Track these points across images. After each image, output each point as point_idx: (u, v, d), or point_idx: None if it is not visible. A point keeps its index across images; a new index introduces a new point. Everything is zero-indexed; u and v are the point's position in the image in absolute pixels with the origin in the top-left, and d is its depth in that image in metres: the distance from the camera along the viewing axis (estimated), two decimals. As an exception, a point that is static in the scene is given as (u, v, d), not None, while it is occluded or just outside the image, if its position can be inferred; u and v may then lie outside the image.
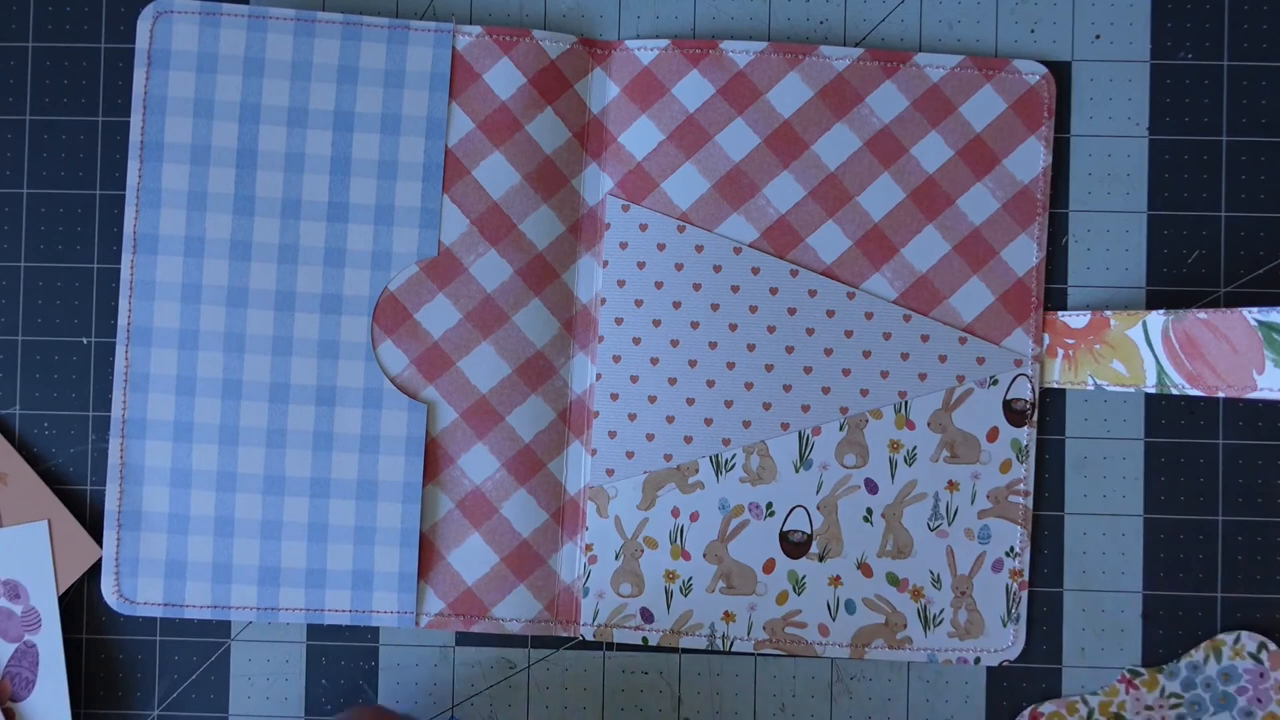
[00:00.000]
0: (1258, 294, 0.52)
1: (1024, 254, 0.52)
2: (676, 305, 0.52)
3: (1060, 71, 0.52)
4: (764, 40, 0.52)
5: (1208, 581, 0.52)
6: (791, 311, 0.52)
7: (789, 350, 0.52)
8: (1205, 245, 0.52)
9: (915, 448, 0.52)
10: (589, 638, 0.52)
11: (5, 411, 0.53)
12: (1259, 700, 0.51)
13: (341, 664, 0.53)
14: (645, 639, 0.52)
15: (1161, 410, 0.52)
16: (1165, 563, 0.52)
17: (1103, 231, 0.52)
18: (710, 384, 0.52)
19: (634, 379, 0.52)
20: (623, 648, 0.53)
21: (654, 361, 0.52)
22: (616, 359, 0.52)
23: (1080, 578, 0.52)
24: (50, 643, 0.51)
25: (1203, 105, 0.52)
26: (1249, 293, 0.52)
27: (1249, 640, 0.51)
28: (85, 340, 0.53)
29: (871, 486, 0.52)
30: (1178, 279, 0.52)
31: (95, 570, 0.52)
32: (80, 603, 0.52)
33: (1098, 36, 0.53)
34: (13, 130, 0.53)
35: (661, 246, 0.52)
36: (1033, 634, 0.52)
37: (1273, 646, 0.51)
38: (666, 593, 0.52)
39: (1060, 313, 0.51)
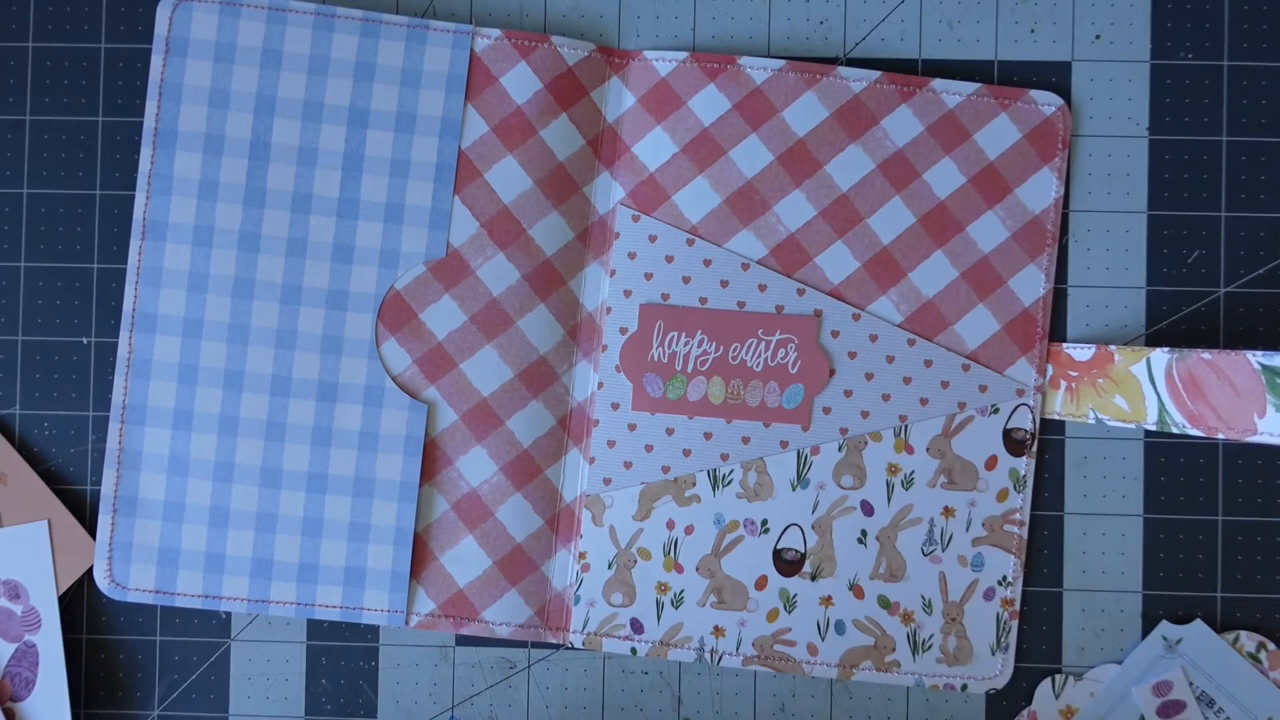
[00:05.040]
0: (1257, 294, 0.52)
1: (1031, 284, 0.52)
2: (682, 318, 0.52)
3: (1060, 71, 0.52)
4: (764, 42, 0.52)
5: (1208, 581, 0.52)
6: (796, 330, 0.52)
7: (792, 369, 0.52)
8: (1205, 245, 0.52)
9: (913, 472, 0.52)
10: (578, 645, 0.52)
11: (5, 411, 0.53)
12: None
13: (341, 664, 0.53)
14: (634, 649, 0.52)
15: (1162, 412, 0.52)
16: (1165, 563, 0.52)
17: (1103, 231, 0.52)
18: (711, 398, 0.52)
19: (635, 389, 0.52)
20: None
21: (656, 373, 0.52)
22: (619, 369, 0.52)
23: (1080, 578, 0.52)
24: (50, 643, 0.51)
25: (1203, 105, 0.52)
26: (1249, 293, 0.52)
27: (1249, 640, 0.51)
28: (85, 340, 0.53)
29: (867, 508, 0.52)
30: (1178, 279, 0.52)
31: (95, 569, 0.52)
32: (80, 603, 0.52)
33: (1098, 36, 0.52)
34: (13, 130, 0.53)
35: (670, 259, 0.52)
36: (1032, 634, 0.52)
37: (1272, 646, 0.51)
38: (657, 604, 0.52)
39: (1064, 345, 0.51)
